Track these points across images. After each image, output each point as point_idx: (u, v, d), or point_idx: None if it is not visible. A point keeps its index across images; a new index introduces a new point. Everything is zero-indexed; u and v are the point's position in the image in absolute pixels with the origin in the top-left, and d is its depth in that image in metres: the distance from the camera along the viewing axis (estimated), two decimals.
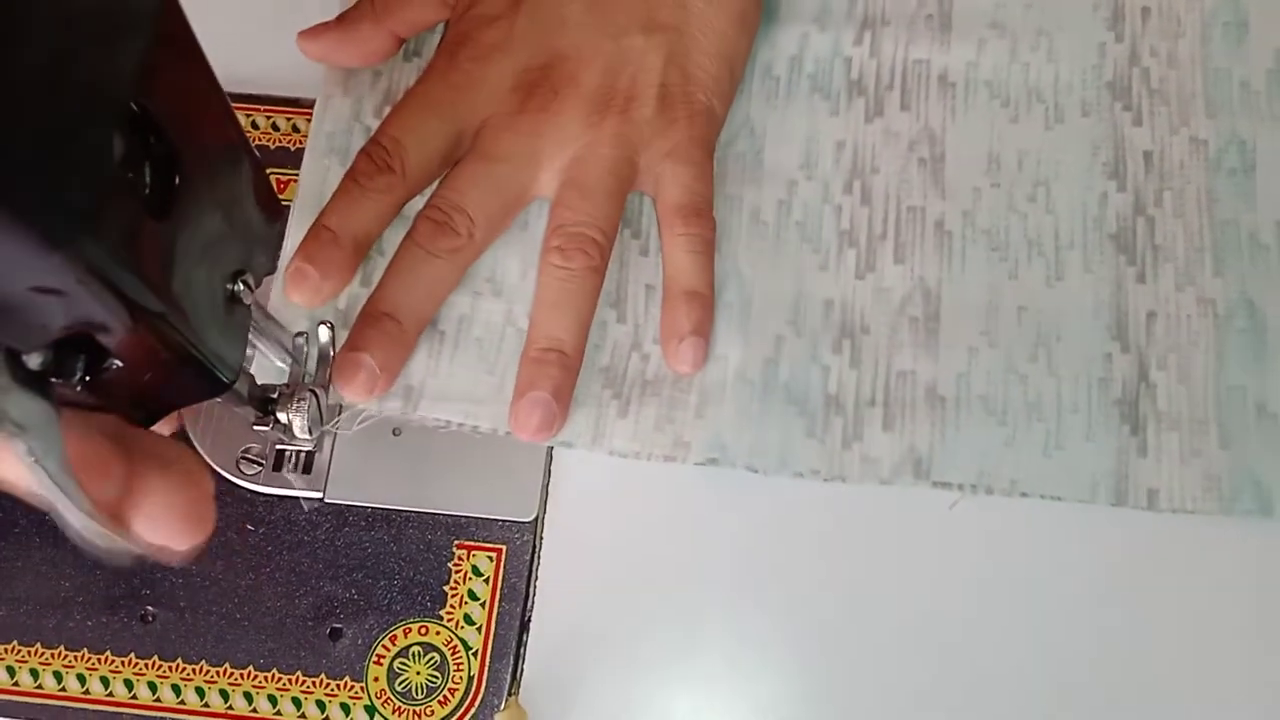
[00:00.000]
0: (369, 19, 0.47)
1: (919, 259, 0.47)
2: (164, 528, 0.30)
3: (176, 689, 0.45)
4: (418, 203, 0.46)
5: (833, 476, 0.44)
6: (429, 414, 0.44)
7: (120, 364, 0.29)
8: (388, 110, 0.46)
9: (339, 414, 0.44)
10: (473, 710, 0.43)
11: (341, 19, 0.48)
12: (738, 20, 0.48)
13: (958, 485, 0.43)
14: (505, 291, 0.46)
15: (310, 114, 0.49)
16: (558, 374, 0.43)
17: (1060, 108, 0.49)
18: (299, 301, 0.43)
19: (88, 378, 0.29)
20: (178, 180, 0.29)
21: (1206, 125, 0.48)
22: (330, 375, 0.45)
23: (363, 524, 0.45)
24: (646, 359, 0.45)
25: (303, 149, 0.49)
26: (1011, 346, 0.45)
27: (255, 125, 0.52)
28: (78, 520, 0.28)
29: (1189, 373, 0.45)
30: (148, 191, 0.28)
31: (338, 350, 0.43)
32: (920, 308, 0.46)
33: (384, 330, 0.43)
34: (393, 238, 0.46)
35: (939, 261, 0.47)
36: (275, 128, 0.52)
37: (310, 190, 0.46)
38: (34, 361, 0.29)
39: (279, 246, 0.45)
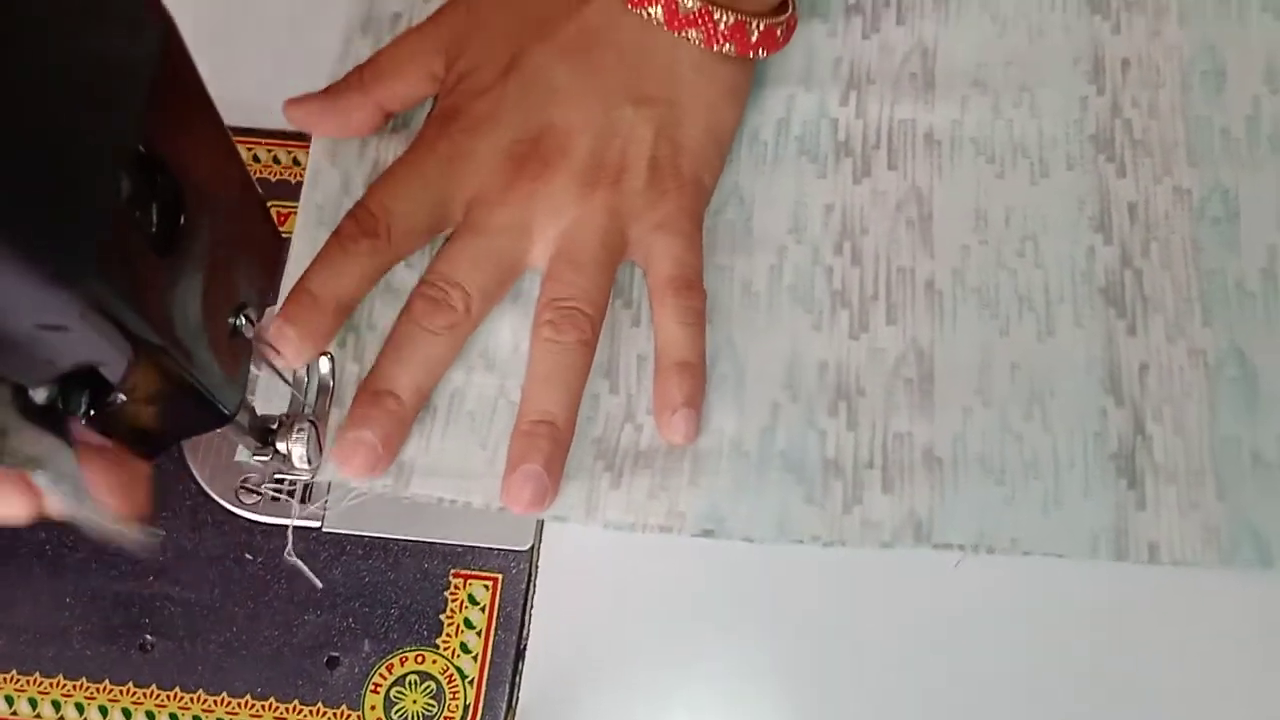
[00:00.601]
0: (356, 90, 0.45)
1: (911, 319, 0.45)
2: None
3: (174, 717, 0.44)
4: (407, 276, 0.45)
5: (833, 541, 0.42)
6: (420, 491, 0.42)
7: (124, 398, 0.28)
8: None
9: (328, 493, 0.43)
10: None
11: (329, 89, 0.45)
12: (728, 92, 0.46)
13: (958, 546, 0.42)
14: (498, 365, 0.44)
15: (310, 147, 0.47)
16: (549, 447, 0.41)
17: (1045, 162, 0.47)
18: (280, 364, 0.40)
19: (92, 411, 0.28)
20: (183, 219, 0.28)
21: (1189, 174, 0.46)
22: (329, 406, 0.42)
23: (360, 553, 0.43)
24: (640, 430, 0.43)
25: (303, 182, 0.46)
26: (1006, 405, 0.43)
27: (256, 159, 0.51)
28: (96, 529, 0.30)
29: (1183, 424, 0.43)
30: (153, 230, 0.27)
31: (326, 440, 0.41)
32: (914, 369, 0.44)
33: (384, 408, 0.41)
34: (386, 311, 0.43)
35: (930, 321, 0.45)
36: (276, 161, 0.51)
37: (301, 262, 0.44)
38: (40, 396, 0.27)
39: (279, 278, 0.43)
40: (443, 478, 0.43)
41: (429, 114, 0.46)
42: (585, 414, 0.44)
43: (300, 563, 0.43)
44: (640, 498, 0.43)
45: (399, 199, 0.42)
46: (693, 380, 0.43)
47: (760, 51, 0.45)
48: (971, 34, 0.49)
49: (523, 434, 0.42)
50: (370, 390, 0.42)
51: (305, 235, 0.44)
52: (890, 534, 0.42)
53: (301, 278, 0.41)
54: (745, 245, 0.46)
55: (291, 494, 0.44)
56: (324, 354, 0.42)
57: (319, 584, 0.43)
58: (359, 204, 0.43)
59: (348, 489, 0.42)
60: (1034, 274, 0.45)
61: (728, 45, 0.44)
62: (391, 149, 0.46)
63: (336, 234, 0.42)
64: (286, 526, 0.43)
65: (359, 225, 0.42)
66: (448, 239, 0.44)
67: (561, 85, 0.44)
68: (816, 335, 0.45)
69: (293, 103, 0.45)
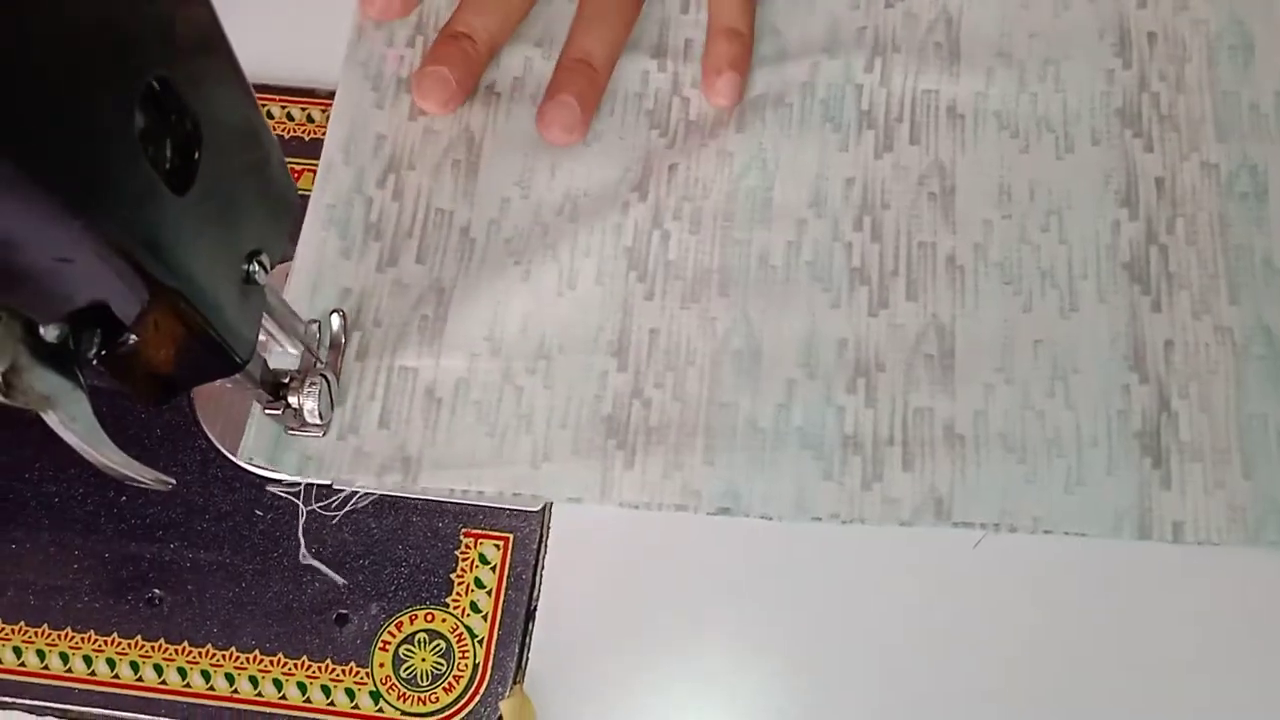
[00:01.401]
0: None
1: (932, 295, 0.43)
2: None
3: (182, 671, 0.43)
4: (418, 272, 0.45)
5: (852, 519, 0.40)
6: (430, 484, 0.41)
7: (135, 339, 0.28)
8: (391, 180, 0.45)
9: (340, 494, 0.42)
10: (477, 698, 0.41)
11: None
12: None
13: (979, 524, 0.40)
14: (504, 349, 0.43)
15: (327, 104, 0.46)
16: (584, 83, 0.44)
17: (1070, 137, 0.45)
18: (372, 14, 0.45)
19: (104, 352, 0.28)
20: (198, 156, 0.27)
21: (1217, 149, 0.45)
22: (340, 362, 0.42)
23: (371, 511, 0.42)
24: (649, 405, 0.42)
25: (318, 139, 0.46)
26: (1028, 382, 0.42)
27: (271, 115, 0.51)
28: (110, 468, 0.29)
29: (1210, 402, 0.41)
30: (168, 166, 0.26)
31: (417, 68, 0.45)
32: (935, 345, 0.42)
33: (460, 47, 0.44)
34: (395, 305, 0.43)
35: (952, 297, 0.43)
36: (290, 118, 0.50)
37: (307, 260, 0.44)
38: (51, 335, 0.26)
39: (295, 233, 0.43)
40: (452, 469, 0.41)
41: None
42: (593, 391, 0.42)
43: (319, 563, 0.42)
44: (655, 477, 0.41)
45: None
46: (741, 46, 0.44)
47: None
48: (996, 4, 0.47)
49: (563, 68, 0.44)
50: (448, 33, 0.44)
51: (312, 234, 0.44)
52: (910, 512, 0.40)
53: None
54: (764, 218, 0.44)
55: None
56: (335, 311, 0.42)
57: (341, 581, 0.42)
58: None
59: (355, 490, 0.42)
60: (1058, 249, 0.44)
61: None
62: (409, 140, 0.46)
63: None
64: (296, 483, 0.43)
65: None
66: None
67: None
68: (834, 313, 0.43)
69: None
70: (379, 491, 0.42)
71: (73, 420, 0.27)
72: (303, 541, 0.42)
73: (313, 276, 0.44)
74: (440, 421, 0.42)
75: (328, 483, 0.42)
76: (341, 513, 0.42)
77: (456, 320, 0.43)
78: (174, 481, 0.32)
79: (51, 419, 0.27)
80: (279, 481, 0.42)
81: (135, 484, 0.31)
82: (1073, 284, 0.43)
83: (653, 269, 0.44)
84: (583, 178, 0.45)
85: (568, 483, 0.41)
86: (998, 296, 0.43)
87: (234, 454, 0.43)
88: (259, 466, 0.42)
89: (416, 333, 0.43)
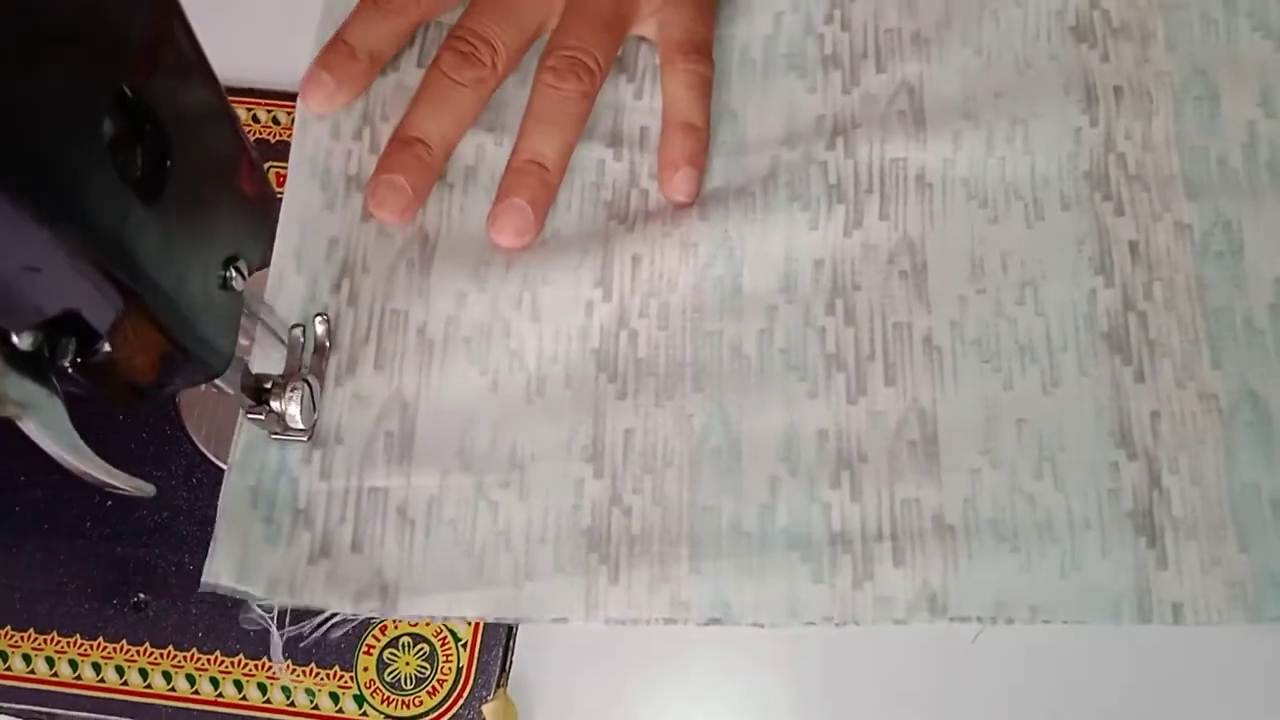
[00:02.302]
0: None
1: (910, 379, 0.42)
2: None
3: (167, 675, 0.42)
4: None
5: (845, 621, 0.39)
6: (409, 612, 0.39)
7: (110, 348, 0.27)
8: (345, 284, 0.42)
9: (314, 619, 0.39)
10: (461, 701, 0.40)
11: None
12: None
13: (976, 618, 0.39)
14: (475, 463, 0.41)
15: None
16: (536, 185, 0.42)
17: (1039, 203, 0.43)
18: (314, 107, 0.42)
19: (79, 360, 0.27)
20: (169, 164, 0.27)
21: (1189, 208, 0.43)
22: (325, 366, 0.41)
23: None
24: (629, 513, 0.40)
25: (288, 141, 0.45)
26: (1015, 464, 0.40)
27: (256, 119, 0.50)
28: (89, 475, 0.29)
29: (1200, 475, 0.40)
30: (138, 175, 0.26)
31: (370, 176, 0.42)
32: (917, 431, 0.41)
33: (414, 153, 0.42)
34: (379, 257, 0.43)
35: (931, 380, 0.42)
36: (276, 121, 0.50)
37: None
38: (25, 343, 0.26)
39: (272, 238, 0.41)
40: (432, 594, 0.39)
41: None
42: (570, 502, 0.40)
43: (288, 673, 0.41)
44: (641, 592, 0.39)
45: None
46: (697, 141, 0.43)
47: None
48: (955, 69, 0.45)
49: (513, 170, 0.42)
50: (401, 138, 0.42)
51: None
52: (904, 610, 0.39)
53: (337, 32, 0.43)
54: (734, 307, 0.43)
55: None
56: (319, 315, 0.42)
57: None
58: None
59: (330, 616, 0.40)
60: (1035, 322, 0.42)
61: None
62: (361, 248, 0.43)
63: None
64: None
65: None
66: None
67: None
68: (813, 403, 0.41)
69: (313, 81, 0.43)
70: (356, 621, 0.40)
71: (49, 428, 0.27)
72: (278, 658, 0.41)
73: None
74: (415, 543, 0.40)
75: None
76: (318, 634, 0.40)
77: (424, 436, 0.41)
78: (154, 489, 0.32)
79: (28, 426, 0.27)
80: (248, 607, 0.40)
81: (115, 491, 0.31)
82: (1052, 358, 0.42)
83: (623, 369, 0.42)
84: (538, 268, 0.43)
85: (552, 603, 0.39)
86: (977, 376, 0.42)
87: (219, 459, 0.43)
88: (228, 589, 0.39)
89: (383, 450, 0.41)
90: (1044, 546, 0.39)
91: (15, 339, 0.26)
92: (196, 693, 0.41)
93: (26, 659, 0.41)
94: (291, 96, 0.48)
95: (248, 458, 0.40)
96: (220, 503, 0.39)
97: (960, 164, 0.44)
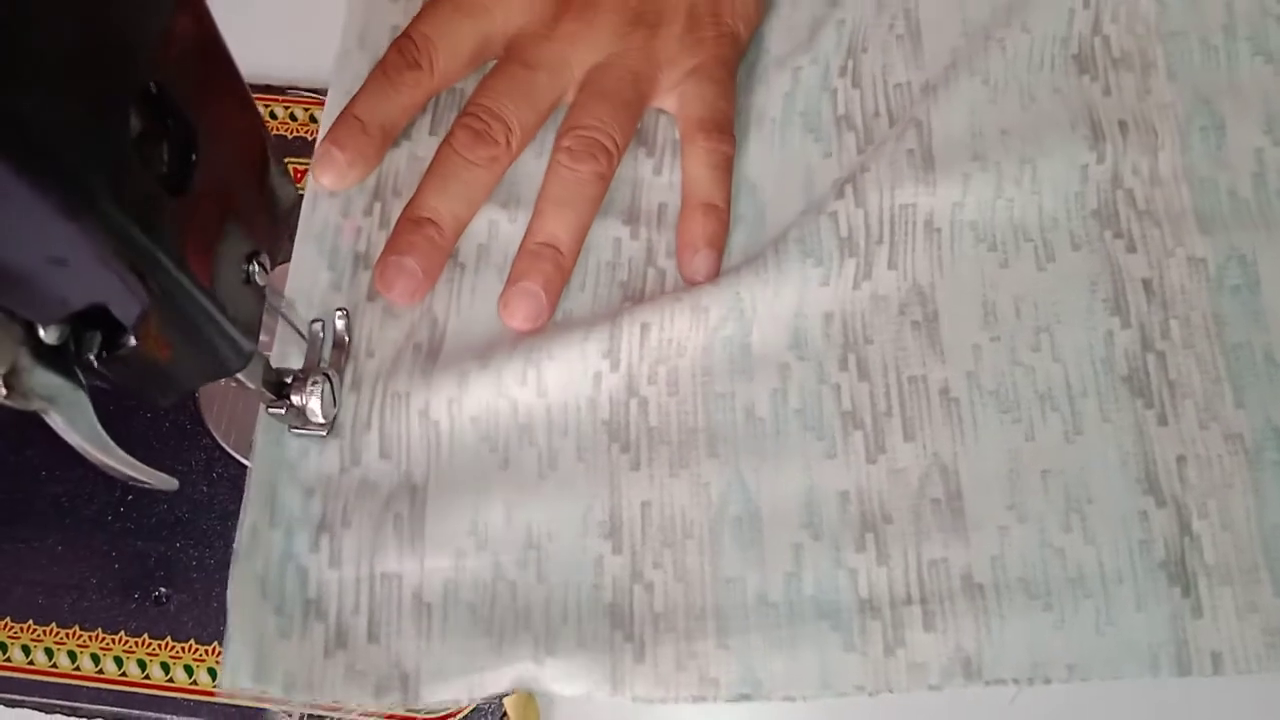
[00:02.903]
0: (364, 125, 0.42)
1: (930, 434, 0.40)
2: None
3: (189, 669, 0.43)
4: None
5: (879, 689, 0.38)
6: (431, 700, 0.38)
7: (135, 341, 0.27)
8: (350, 367, 0.41)
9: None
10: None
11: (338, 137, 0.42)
12: None
13: (1012, 680, 0.38)
14: (490, 542, 0.40)
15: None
16: (550, 269, 0.41)
17: (1049, 244, 0.42)
18: (327, 183, 0.41)
19: (104, 354, 0.27)
20: (194, 158, 0.27)
21: (1202, 242, 0.42)
22: (344, 361, 0.41)
23: None
24: (651, 589, 0.39)
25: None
26: (1043, 517, 0.39)
27: (274, 116, 0.51)
28: (113, 469, 0.29)
29: (1230, 518, 0.39)
30: (164, 169, 0.26)
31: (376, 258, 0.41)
32: (940, 488, 0.40)
33: (425, 235, 0.41)
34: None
35: (950, 433, 0.40)
36: (293, 118, 0.50)
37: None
38: (51, 336, 0.26)
39: (291, 233, 0.41)
40: (452, 679, 0.38)
41: None
42: (590, 580, 0.39)
43: None
44: (668, 669, 0.38)
45: (443, 31, 0.42)
46: (717, 221, 0.42)
47: None
48: (963, 99, 0.44)
49: (527, 253, 0.41)
50: (411, 218, 0.41)
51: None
52: (939, 675, 0.38)
53: (348, 105, 0.42)
54: (744, 367, 0.41)
55: None
56: (339, 310, 0.42)
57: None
58: (403, 34, 0.42)
59: (349, 710, 0.39)
60: (1052, 368, 0.41)
61: None
62: (366, 329, 0.42)
63: (381, 64, 0.42)
64: None
65: (403, 56, 0.42)
66: (491, 70, 0.43)
67: None
68: (831, 464, 0.40)
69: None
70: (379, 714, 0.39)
71: (74, 422, 0.27)
72: None
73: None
74: (433, 629, 0.39)
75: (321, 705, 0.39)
76: None
77: (436, 517, 0.40)
78: (177, 483, 0.32)
79: (53, 420, 0.27)
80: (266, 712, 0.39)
81: (139, 484, 0.31)
82: (1073, 405, 0.41)
83: (635, 438, 0.41)
84: (544, 344, 0.41)
85: (576, 678, 0.38)
86: (997, 427, 0.40)
87: (240, 453, 0.43)
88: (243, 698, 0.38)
89: (393, 534, 0.40)
90: (1077, 602, 0.38)
91: (42, 332, 0.27)
92: (218, 686, 0.41)
93: (49, 653, 0.41)
94: (309, 92, 0.48)
95: (253, 544, 0.39)
96: (229, 593, 0.38)
97: (969, 207, 0.42)
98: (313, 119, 0.48)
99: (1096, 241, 0.42)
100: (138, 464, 0.30)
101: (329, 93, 0.44)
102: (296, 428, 0.40)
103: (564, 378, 0.41)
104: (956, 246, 0.42)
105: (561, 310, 0.43)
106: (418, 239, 0.41)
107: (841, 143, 0.44)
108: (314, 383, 0.38)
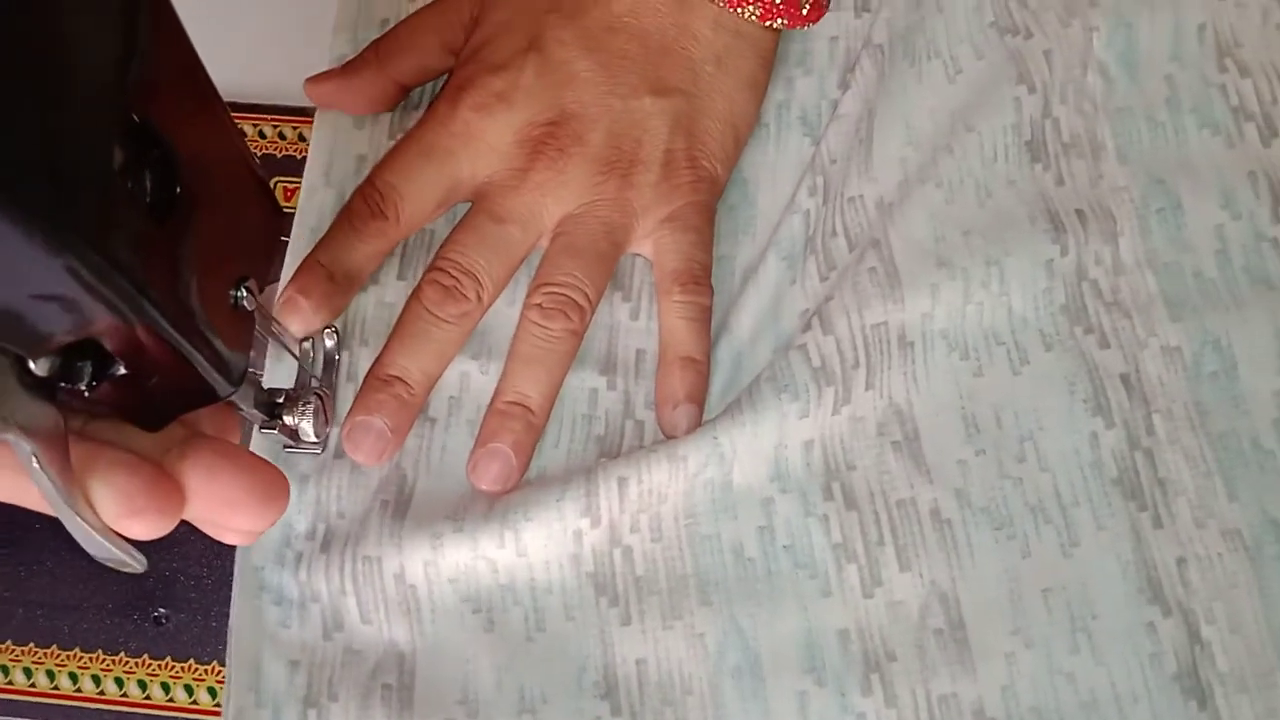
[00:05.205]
0: (372, 67, 0.42)
1: (925, 561, 0.38)
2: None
3: (189, 689, 0.44)
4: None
5: None
6: None
7: (125, 370, 0.26)
8: (320, 529, 0.39)
9: None
10: None
11: (346, 66, 0.42)
12: (747, 85, 0.42)
13: None
14: (481, 709, 0.38)
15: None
16: (520, 429, 0.39)
17: (1021, 346, 0.40)
18: (292, 329, 0.39)
19: (94, 383, 0.26)
20: (178, 189, 0.26)
21: (1174, 330, 0.39)
22: (336, 380, 0.39)
23: None
24: None
25: (307, 158, 0.44)
26: (1049, 640, 0.37)
27: (262, 135, 0.51)
28: (80, 531, 0.26)
29: (1239, 621, 0.36)
30: (148, 200, 0.25)
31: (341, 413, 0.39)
32: (941, 617, 0.37)
33: (393, 393, 0.39)
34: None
35: (946, 558, 0.38)
36: (282, 136, 0.51)
37: (241, 629, 0.39)
38: (41, 368, 0.25)
39: (282, 254, 0.41)
40: None
41: (442, 86, 0.42)
42: None
43: None
44: None
45: (407, 178, 0.40)
46: (696, 376, 0.40)
47: (808, 24, 0.42)
48: (919, 206, 0.42)
49: (496, 412, 0.39)
50: (380, 376, 0.39)
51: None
52: None
53: (313, 250, 0.39)
54: (727, 504, 0.39)
55: None
56: (329, 328, 0.42)
57: None
58: (368, 181, 0.40)
59: None
60: (1041, 478, 0.39)
61: (780, 20, 0.42)
62: (334, 488, 0.41)
63: (346, 211, 0.40)
64: None
65: (368, 205, 0.40)
66: (459, 223, 0.41)
67: (580, 70, 0.40)
68: (828, 602, 0.38)
69: (312, 81, 0.42)
70: None
71: (49, 461, 0.25)
72: None
73: (252, 668, 0.39)
74: None
75: None
76: None
77: (425, 686, 0.38)
78: (145, 564, 0.30)
79: (24, 454, 0.25)
80: None
81: (106, 561, 0.27)
82: (1066, 515, 0.38)
83: (623, 590, 0.39)
84: (519, 505, 0.39)
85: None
86: (993, 546, 0.38)
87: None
88: None
89: (381, 705, 0.37)
90: None
91: (32, 364, 0.27)
92: (218, 705, 0.41)
93: (50, 675, 0.41)
94: (295, 111, 0.48)
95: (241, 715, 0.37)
96: None
97: (939, 317, 0.40)
98: (301, 137, 0.48)
99: (1068, 340, 0.40)
100: (108, 530, 0.27)
101: (293, 229, 0.42)
102: (290, 447, 0.40)
103: (543, 538, 0.38)
104: (929, 358, 0.40)
105: (535, 468, 0.40)
106: (385, 397, 0.39)
107: (805, 269, 0.42)
108: (305, 403, 0.38)
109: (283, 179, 0.47)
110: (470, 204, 0.42)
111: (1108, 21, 0.42)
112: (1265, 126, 0.41)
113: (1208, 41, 0.42)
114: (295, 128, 0.48)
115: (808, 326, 0.40)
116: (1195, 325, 0.40)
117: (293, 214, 0.44)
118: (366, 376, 0.40)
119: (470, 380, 0.41)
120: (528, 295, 0.40)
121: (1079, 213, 0.41)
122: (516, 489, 0.40)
